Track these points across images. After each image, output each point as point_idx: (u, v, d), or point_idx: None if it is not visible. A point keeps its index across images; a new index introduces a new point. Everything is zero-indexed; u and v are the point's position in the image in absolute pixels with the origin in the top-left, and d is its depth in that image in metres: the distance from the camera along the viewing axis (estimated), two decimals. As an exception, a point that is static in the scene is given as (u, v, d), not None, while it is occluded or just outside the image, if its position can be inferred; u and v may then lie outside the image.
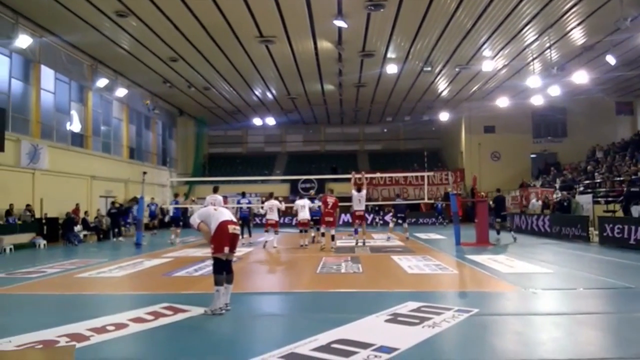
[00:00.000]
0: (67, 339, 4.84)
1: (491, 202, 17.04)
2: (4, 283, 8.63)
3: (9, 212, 16.15)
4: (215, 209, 6.39)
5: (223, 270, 6.05)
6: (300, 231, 15.40)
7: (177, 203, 18.63)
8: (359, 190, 14.68)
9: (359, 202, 14.51)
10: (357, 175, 15.42)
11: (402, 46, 20.60)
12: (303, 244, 14.76)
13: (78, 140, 21.79)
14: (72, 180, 20.68)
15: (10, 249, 14.96)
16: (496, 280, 8.25)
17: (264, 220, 16.11)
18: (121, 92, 24.22)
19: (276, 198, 15.63)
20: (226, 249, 5.99)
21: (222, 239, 5.99)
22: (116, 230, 19.78)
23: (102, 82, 22.22)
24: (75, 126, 21.65)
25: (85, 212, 19.96)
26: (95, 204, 22.13)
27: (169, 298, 6.81)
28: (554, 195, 20.92)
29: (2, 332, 4.95)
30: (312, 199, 16.42)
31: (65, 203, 19.14)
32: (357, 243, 14.64)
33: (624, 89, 27.18)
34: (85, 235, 18.95)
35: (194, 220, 6.32)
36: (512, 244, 14.64)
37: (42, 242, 16.62)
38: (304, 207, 15.02)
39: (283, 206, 15.23)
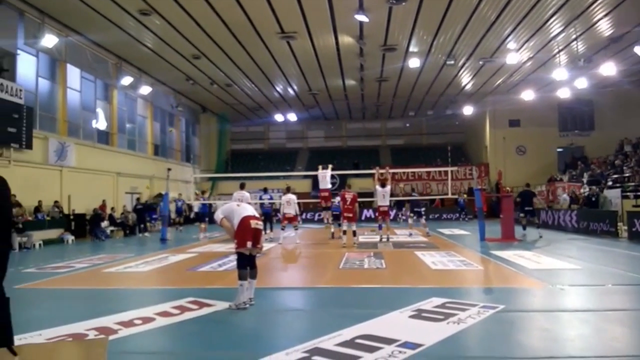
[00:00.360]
0: (95, 332, 4.93)
1: (516, 197, 16.71)
2: (34, 278, 8.86)
3: (37, 209, 16.57)
4: (238, 205, 6.39)
5: (247, 265, 6.08)
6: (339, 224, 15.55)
7: (203, 199, 18.93)
8: (383, 185, 14.69)
9: (383, 197, 14.52)
10: (381, 171, 15.37)
11: (424, 39, 20.39)
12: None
13: (104, 137, 22.21)
14: (99, 177, 21.10)
15: (40, 245, 15.35)
16: (522, 277, 8.12)
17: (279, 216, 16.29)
18: (145, 89, 24.63)
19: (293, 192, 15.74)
20: (249, 244, 6.00)
21: (244, 234, 6.01)
22: (142, 225, 20.13)
23: (126, 80, 22.60)
24: (101, 124, 22.07)
25: (112, 208, 20.37)
26: (121, 200, 22.55)
27: (194, 292, 6.91)
28: (581, 190, 20.49)
29: (32, 326, 5.04)
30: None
31: (92, 199, 19.55)
32: (381, 239, 14.63)
33: (653, 81, 26.40)
34: (111, 231, 19.34)
35: (217, 216, 6.36)
36: (539, 240, 14.39)
37: (70, 238, 17.02)
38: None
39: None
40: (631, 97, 28.12)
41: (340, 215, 14.91)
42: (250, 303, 6.02)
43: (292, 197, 14.94)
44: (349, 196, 13.81)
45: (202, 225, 17.93)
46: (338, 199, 15.46)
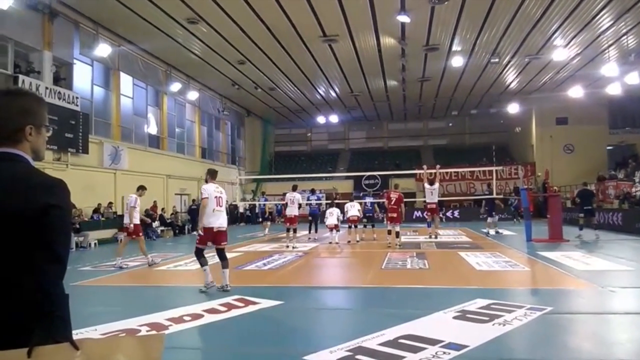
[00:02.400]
0: (147, 328, 5.15)
1: (575, 197, 16.08)
2: (90, 275, 9.32)
3: (96, 210, 17.40)
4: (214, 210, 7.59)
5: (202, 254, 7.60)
6: (349, 227, 15.49)
7: (265, 200, 19.61)
8: (431, 183, 14.65)
9: (431, 194, 14.44)
10: (431, 171, 15.30)
11: (467, 38, 20.08)
12: (351, 241, 14.99)
13: (154, 141, 23.05)
14: (150, 179, 21.77)
15: (95, 244, 16.11)
16: (571, 278, 7.95)
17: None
18: (193, 95, 25.42)
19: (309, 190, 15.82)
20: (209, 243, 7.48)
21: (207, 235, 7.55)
22: (193, 225, 20.92)
23: (175, 87, 23.39)
24: (152, 128, 22.93)
25: (162, 209, 21.09)
26: (171, 201, 23.31)
27: (240, 290, 7.12)
28: (633, 189, 19.62)
29: (88, 321, 5.30)
30: (364, 196, 16.44)
31: (143, 200, 20.17)
32: (430, 236, 14.56)
33: None
34: (162, 231, 20.03)
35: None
36: (589, 241, 13.89)
37: (123, 237, 17.72)
38: (353, 206, 15.05)
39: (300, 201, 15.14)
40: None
41: (371, 217, 15.07)
42: (226, 288, 7.21)
43: (297, 196, 14.62)
44: (394, 196, 13.66)
45: (268, 224, 19.59)
46: (371, 199, 15.42)
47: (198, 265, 10.45)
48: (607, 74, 20.90)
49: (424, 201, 14.91)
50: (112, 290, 8.03)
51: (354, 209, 15.04)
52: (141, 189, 11.29)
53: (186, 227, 21.86)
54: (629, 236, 15.25)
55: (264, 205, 19.70)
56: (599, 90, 24.70)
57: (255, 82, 26.17)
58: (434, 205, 14.51)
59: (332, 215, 14.92)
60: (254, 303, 6.31)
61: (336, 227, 14.92)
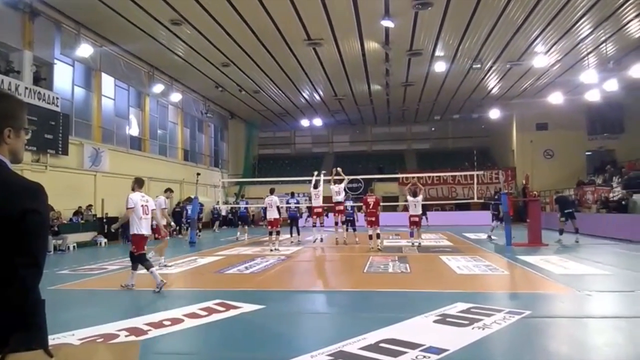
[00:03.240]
0: (126, 333, 5.10)
1: (555, 203, 16.28)
2: (68, 279, 9.17)
3: (77, 213, 17.14)
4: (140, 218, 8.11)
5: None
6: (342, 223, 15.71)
7: (246, 203, 19.47)
8: (414, 195, 14.75)
9: (415, 207, 14.58)
10: (412, 181, 15.43)
11: (450, 44, 20.30)
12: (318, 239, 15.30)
13: (136, 143, 22.82)
14: (130, 182, 21.59)
15: (74, 247, 15.84)
16: (549, 282, 8.06)
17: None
18: (176, 97, 25.26)
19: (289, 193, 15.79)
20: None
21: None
22: (178, 227, 20.74)
23: (158, 88, 23.20)
24: (133, 130, 22.70)
25: (143, 212, 20.84)
26: (152, 204, 23.01)
27: (221, 295, 7.05)
28: (611, 194, 20.02)
29: (65, 326, 5.23)
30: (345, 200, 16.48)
31: (124, 203, 19.96)
32: (412, 243, 14.68)
33: (687, 82, 25.61)
34: (142, 234, 19.78)
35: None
36: (568, 246, 14.10)
37: (103, 240, 17.52)
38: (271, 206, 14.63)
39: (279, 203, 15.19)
40: (662, 100, 27.36)
41: (352, 221, 15.16)
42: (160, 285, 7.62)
43: (275, 199, 14.67)
44: (371, 200, 13.93)
45: (245, 228, 19.14)
46: (351, 203, 15.50)
47: (179, 269, 10.50)
48: (586, 80, 21.30)
49: (408, 213, 15.03)
50: (90, 294, 7.92)
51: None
52: (169, 191, 11.75)
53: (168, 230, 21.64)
54: (607, 241, 15.54)
55: (245, 208, 19.49)
56: (579, 96, 25.16)
57: (239, 85, 26.11)
58: (416, 218, 14.65)
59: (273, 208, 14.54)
60: (235, 307, 6.26)
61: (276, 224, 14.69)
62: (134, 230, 7.95)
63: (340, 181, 15.53)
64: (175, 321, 5.60)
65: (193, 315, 5.89)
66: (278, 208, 14.61)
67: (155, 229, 10.89)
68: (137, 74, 22.34)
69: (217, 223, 25.79)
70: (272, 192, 14.80)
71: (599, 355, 4.37)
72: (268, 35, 18.84)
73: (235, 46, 19.93)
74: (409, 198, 14.74)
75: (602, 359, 4.28)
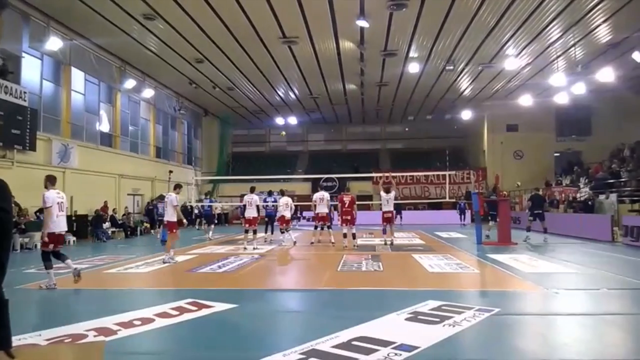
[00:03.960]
0: (95, 333, 4.98)
1: (528, 200, 16.57)
2: (35, 278, 8.88)
3: (42, 210, 16.65)
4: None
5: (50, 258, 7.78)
6: (315, 227, 15.39)
7: (211, 201, 19.20)
8: (387, 191, 14.78)
9: (387, 202, 14.61)
10: (382, 174, 15.42)
11: (424, 45, 20.54)
12: (314, 242, 14.93)
13: (107, 139, 22.36)
14: (101, 179, 21.24)
15: (42, 245, 15.45)
16: (518, 280, 8.22)
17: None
18: (148, 93, 24.86)
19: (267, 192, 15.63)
20: (51, 246, 7.81)
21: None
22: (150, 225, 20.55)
23: (130, 84, 22.78)
24: (104, 126, 22.24)
25: (114, 210, 20.49)
26: (123, 201, 22.69)
27: (193, 294, 6.96)
28: (578, 194, 20.60)
29: (32, 326, 5.10)
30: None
31: (94, 201, 19.68)
32: (385, 242, 14.72)
33: (651, 86, 26.50)
34: (113, 232, 19.46)
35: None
36: (536, 244, 14.42)
37: (71, 239, 17.10)
38: (322, 200, 14.70)
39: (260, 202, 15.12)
40: (628, 103, 28.20)
41: (325, 218, 14.98)
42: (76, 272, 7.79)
43: (255, 197, 14.58)
44: (347, 199, 13.99)
45: (211, 226, 18.56)
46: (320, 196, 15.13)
47: (150, 268, 10.34)
48: (556, 83, 21.86)
49: (381, 209, 15.05)
50: (58, 294, 7.71)
51: (323, 203, 14.72)
52: (178, 187, 11.90)
53: (139, 228, 21.32)
54: (574, 240, 15.97)
55: (209, 207, 18.98)
56: (548, 99, 25.81)
57: (213, 82, 25.86)
58: (389, 215, 14.70)
59: (287, 208, 14.80)
60: (208, 307, 6.19)
61: (289, 223, 14.89)
62: (50, 228, 7.75)
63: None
64: (146, 321, 5.51)
65: (164, 315, 5.79)
66: (258, 207, 14.51)
67: (167, 224, 11.52)
68: (108, 69, 21.90)
69: (201, 221, 25.42)
70: (252, 190, 14.71)
71: (565, 352, 4.44)
72: (243, 32, 18.71)
73: (209, 42, 19.73)
74: (382, 194, 14.80)
75: (569, 355, 4.36)
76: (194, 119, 33.66)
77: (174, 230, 11.45)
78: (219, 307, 6.17)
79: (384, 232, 14.99)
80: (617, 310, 6.26)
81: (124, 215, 21.03)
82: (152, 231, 20.42)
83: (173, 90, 28.29)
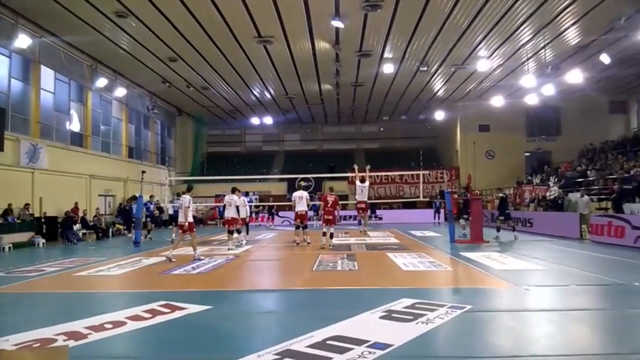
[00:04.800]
0: (64, 338, 4.88)
1: (498, 202, 17.02)
2: (3, 282, 8.68)
3: (7, 212, 16.23)
4: None
5: None
6: (297, 227, 15.26)
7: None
8: (362, 180, 14.95)
9: (362, 192, 14.77)
10: (361, 174, 15.58)
11: (398, 46, 20.73)
12: (299, 242, 14.83)
13: (77, 139, 21.88)
14: (71, 180, 20.78)
15: (9, 248, 15.05)
16: (489, 277, 8.37)
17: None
18: (120, 91, 24.42)
19: (240, 192, 15.23)
20: None
21: None
22: (126, 226, 20.15)
23: (101, 82, 22.33)
24: (74, 126, 21.75)
25: (84, 211, 20.07)
26: (95, 202, 22.25)
27: (166, 296, 6.87)
28: (547, 193, 21.09)
29: (0, 331, 4.99)
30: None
31: (64, 202, 19.26)
32: (362, 232, 14.82)
33: (617, 88, 27.32)
34: (84, 234, 19.07)
35: None
36: (507, 242, 14.75)
37: (41, 241, 16.71)
38: (301, 199, 14.68)
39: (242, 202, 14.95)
40: (596, 104, 29.11)
41: (303, 217, 14.93)
42: None
43: (235, 198, 14.46)
44: (331, 199, 14.08)
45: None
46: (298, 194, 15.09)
47: (122, 270, 10.17)
48: (526, 84, 22.28)
49: (355, 200, 15.23)
50: (28, 298, 7.52)
51: (302, 202, 14.65)
52: (191, 189, 12.57)
53: (111, 229, 20.92)
54: (544, 237, 16.35)
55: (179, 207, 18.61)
56: (518, 100, 26.33)
57: (187, 81, 25.57)
58: (363, 205, 14.86)
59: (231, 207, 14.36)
60: (181, 309, 6.12)
61: (236, 223, 14.51)
62: None
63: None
64: (117, 324, 5.42)
65: (136, 318, 5.70)
66: (238, 207, 14.47)
67: (182, 225, 11.83)
68: (79, 67, 21.44)
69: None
70: (233, 191, 14.66)
71: (535, 347, 4.55)
72: (217, 31, 18.55)
73: (182, 40, 19.49)
74: (358, 183, 14.93)
75: (539, 350, 4.46)
76: (168, 118, 33.22)
77: (193, 230, 11.94)
78: (193, 308, 6.11)
79: (359, 223, 15.11)
80: (585, 305, 6.42)
81: (95, 216, 20.63)
82: (128, 234, 20.01)
83: (146, 89, 27.86)
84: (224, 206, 14.59)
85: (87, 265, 10.91)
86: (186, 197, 11.93)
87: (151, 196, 19.74)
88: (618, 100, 29.71)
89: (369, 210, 15.32)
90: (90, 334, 5.04)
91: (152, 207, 18.96)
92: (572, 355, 4.31)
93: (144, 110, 28.56)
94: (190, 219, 11.83)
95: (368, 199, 16.11)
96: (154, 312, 5.95)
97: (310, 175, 28.47)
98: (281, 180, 32.67)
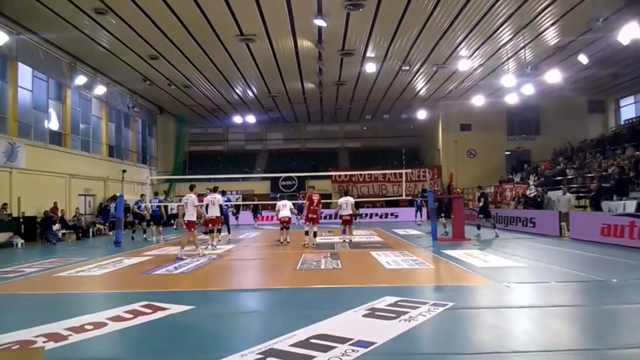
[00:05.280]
0: (44, 339, 4.81)
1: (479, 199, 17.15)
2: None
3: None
4: None
5: None
6: (281, 228, 15.47)
7: (159, 201, 18.56)
8: (346, 193, 15.30)
9: (346, 206, 15.18)
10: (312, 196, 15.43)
11: (381, 45, 20.81)
12: (282, 241, 15.00)
13: (56, 138, 21.51)
14: (51, 179, 20.44)
15: (-14, 249, 14.78)
16: (471, 275, 8.47)
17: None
18: (100, 89, 24.06)
19: (220, 192, 15.36)
20: None
21: None
22: (107, 225, 19.91)
23: (80, 80, 21.96)
24: (53, 124, 21.37)
25: (62, 211, 19.75)
26: (74, 202, 21.91)
27: (148, 296, 6.81)
28: (527, 191, 21.41)
29: (-22, 333, 4.90)
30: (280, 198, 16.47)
31: (43, 201, 18.93)
32: (344, 240, 14.99)
33: (595, 88, 27.87)
34: (63, 234, 18.77)
35: None
36: (488, 239, 14.94)
37: (19, 241, 16.43)
38: (285, 206, 15.09)
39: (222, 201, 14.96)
40: (574, 103, 29.66)
41: (287, 222, 15.11)
42: None
43: (217, 196, 14.50)
44: (316, 197, 14.26)
45: (160, 228, 17.63)
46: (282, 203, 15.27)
47: (103, 270, 10.04)
48: (506, 84, 22.59)
49: (339, 213, 15.48)
50: (6, 299, 7.39)
51: (285, 209, 14.97)
52: (194, 187, 12.88)
53: (91, 229, 20.62)
54: (524, 235, 16.59)
55: (158, 207, 18.26)
56: (499, 99, 26.68)
57: (168, 79, 25.32)
58: (348, 217, 15.15)
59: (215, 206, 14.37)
60: (163, 309, 6.07)
61: (217, 222, 14.54)
62: None
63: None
64: (98, 325, 5.36)
65: (117, 319, 5.65)
66: (221, 206, 14.49)
67: (187, 224, 12.10)
68: (57, 65, 21.10)
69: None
70: (215, 190, 14.70)
71: (516, 343, 4.63)
72: (199, 29, 18.39)
73: (163, 38, 19.28)
74: (341, 199, 15.38)
75: (519, 346, 4.54)
76: (149, 116, 32.85)
77: (192, 229, 12.10)
78: (175, 309, 6.07)
79: (343, 232, 15.39)
80: (564, 302, 6.54)
81: (74, 216, 20.31)
82: (110, 233, 19.75)
83: (126, 87, 27.51)
84: (207, 205, 14.43)
85: (67, 266, 10.76)
86: (192, 196, 12.26)
87: (142, 195, 19.43)
88: (596, 100, 30.29)
89: (352, 222, 15.66)
90: (70, 335, 4.99)
91: (142, 205, 18.58)
92: (552, 350, 4.37)
93: (125, 109, 28.20)
94: (194, 218, 12.15)
95: (359, 197, 16.31)
96: (135, 313, 5.90)
97: (293, 174, 28.44)
98: (264, 179, 32.58)
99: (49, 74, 20.76)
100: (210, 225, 14.16)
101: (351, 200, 15.41)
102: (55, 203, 19.60)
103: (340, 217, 15.28)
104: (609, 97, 29.92)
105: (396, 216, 28.74)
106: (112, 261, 11.45)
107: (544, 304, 6.37)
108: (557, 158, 26.78)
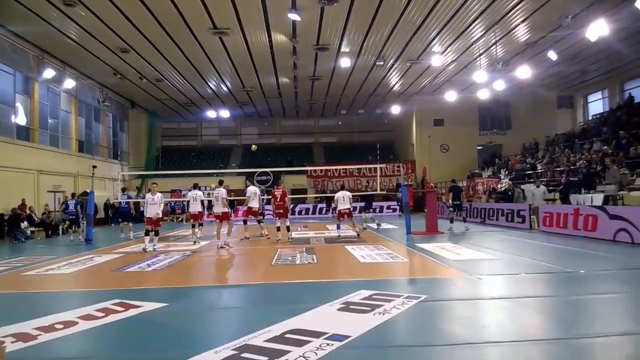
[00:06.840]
0: (12, 339, 4.70)
1: (449, 192, 17.31)
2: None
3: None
4: None
5: None
6: (245, 222, 15.49)
7: (128, 197, 18.22)
8: (342, 187, 15.69)
9: (343, 200, 14.95)
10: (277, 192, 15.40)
11: (355, 40, 20.85)
12: (247, 237, 14.80)
13: (24, 133, 20.92)
14: (18, 175, 19.88)
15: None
16: (444, 268, 8.58)
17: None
18: (69, 83, 23.53)
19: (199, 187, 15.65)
20: None
21: None
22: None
23: (48, 73, 21.40)
24: (20, 119, 20.77)
25: (30, 208, 19.25)
26: (43, 199, 21.37)
27: (120, 294, 6.72)
28: (498, 185, 21.82)
29: (-57, 334, 4.75)
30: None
31: (10, 198, 18.41)
32: (339, 236, 14.85)
33: (564, 84, 28.58)
34: (32, 232, 18.29)
35: None
36: (460, 233, 15.17)
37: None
38: (255, 194, 14.87)
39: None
40: (544, 99, 30.34)
41: (255, 213, 15.07)
42: None
43: (199, 193, 14.87)
44: (278, 193, 14.20)
45: (130, 225, 17.34)
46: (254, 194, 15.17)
47: (74, 268, 9.83)
48: (478, 80, 22.94)
49: (335, 207, 15.34)
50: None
51: (256, 198, 14.86)
52: (222, 182, 13.65)
53: (61, 227, 20.13)
54: (495, 228, 16.90)
55: (127, 203, 18.19)
56: (471, 95, 27.11)
57: (139, 72, 24.86)
58: (347, 210, 14.90)
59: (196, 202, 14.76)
60: (135, 307, 5.98)
61: (199, 217, 14.95)
62: None
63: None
64: (69, 324, 5.25)
65: (88, 317, 5.54)
66: (202, 202, 14.92)
67: (220, 215, 12.86)
68: (24, 58, 20.49)
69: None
70: (195, 186, 15.04)
71: (488, 334, 4.71)
72: (171, 21, 18.10)
73: (134, 31, 18.91)
74: (338, 194, 15.18)
75: (491, 337, 4.62)
76: (120, 111, 32.22)
77: (229, 220, 13.09)
78: (148, 306, 5.99)
79: (338, 227, 15.20)
80: (534, 293, 6.67)
81: (44, 213, 19.81)
82: (77, 229, 19.27)
83: (96, 81, 26.91)
84: (188, 201, 15.04)
85: (36, 264, 10.51)
86: (222, 190, 12.96)
87: (123, 189, 19.00)
88: (565, 96, 31.09)
89: (352, 215, 15.46)
90: (39, 335, 4.88)
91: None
92: (523, 340, 4.46)
93: (95, 103, 27.60)
94: (227, 209, 12.97)
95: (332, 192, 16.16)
96: (107, 311, 5.80)
97: (268, 169, 28.31)
98: (239, 174, 32.34)
99: (16, 67, 20.15)
100: (192, 220, 14.78)
101: (348, 194, 15.31)
102: (23, 200, 19.09)
103: (338, 211, 15.07)
104: (578, 93, 30.72)
105: (374, 210, 28.85)
106: (82, 259, 11.22)
107: (514, 295, 6.50)
108: (523, 153, 27.35)
